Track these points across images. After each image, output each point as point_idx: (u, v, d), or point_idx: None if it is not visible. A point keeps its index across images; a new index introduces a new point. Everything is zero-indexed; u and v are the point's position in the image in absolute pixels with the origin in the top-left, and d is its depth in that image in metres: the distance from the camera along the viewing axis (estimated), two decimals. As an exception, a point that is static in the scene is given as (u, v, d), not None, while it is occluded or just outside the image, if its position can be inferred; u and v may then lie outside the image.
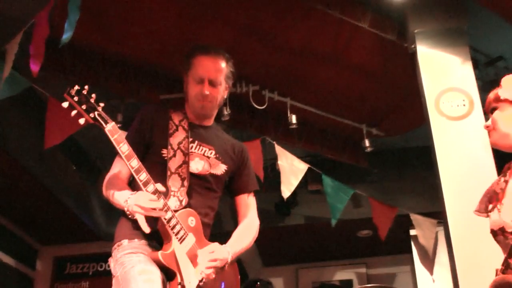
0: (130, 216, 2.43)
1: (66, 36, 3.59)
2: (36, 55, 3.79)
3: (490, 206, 2.17)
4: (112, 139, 2.36)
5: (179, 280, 2.41)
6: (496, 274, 2.03)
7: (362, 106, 5.92)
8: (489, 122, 2.26)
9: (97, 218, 6.70)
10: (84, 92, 2.32)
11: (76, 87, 2.30)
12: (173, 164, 2.56)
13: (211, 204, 2.68)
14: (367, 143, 6.02)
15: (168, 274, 2.44)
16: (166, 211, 2.39)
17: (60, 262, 7.34)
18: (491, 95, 2.25)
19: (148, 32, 4.88)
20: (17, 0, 4.41)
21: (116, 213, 2.65)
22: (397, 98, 5.71)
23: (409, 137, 6.52)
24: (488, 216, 2.20)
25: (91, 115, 2.33)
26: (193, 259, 2.48)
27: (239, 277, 2.72)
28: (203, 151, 2.67)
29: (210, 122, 2.82)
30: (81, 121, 2.32)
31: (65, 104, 2.32)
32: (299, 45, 5.10)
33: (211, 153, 2.69)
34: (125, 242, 2.50)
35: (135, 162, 2.38)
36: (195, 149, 2.65)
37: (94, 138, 5.51)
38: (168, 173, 2.54)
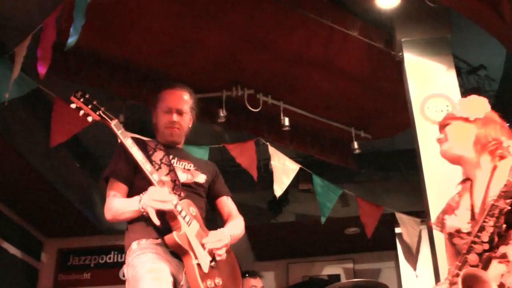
0: (144, 214, 2.47)
1: (72, 40, 3.57)
2: (43, 58, 3.78)
3: (446, 217, 2.36)
4: (118, 133, 2.56)
5: (194, 260, 2.48)
6: (449, 273, 2.12)
7: (351, 110, 5.92)
8: (441, 135, 2.42)
9: (99, 213, 6.66)
10: (87, 96, 2.58)
11: (80, 92, 2.56)
12: (161, 174, 2.64)
13: (201, 206, 2.76)
14: (355, 145, 6.00)
15: (181, 254, 2.50)
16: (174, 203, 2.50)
17: (63, 254, 7.32)
18: (447, 114, 2.44)
19: (149, 37, 4.87)
20: (26, 6, 4.41)
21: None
22: (384, 103, 5.70)
23: (395, 140, 6.53)
24: (441, 230, 2.41)
25: (97, 113, 2.57)
26: (200, 242, 2.55)
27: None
28: (183, 165, 2.80)
29: (181, 146, 2.94)
30: (89, 119, 2.57)
31: (73, 106, 2.57)
32: (293, 51, 5.09)
33: (190, 166, 2.83)
34: (134, 245, 2.53)
35: (140, 154, 2.55)
36: (176, 163, 2.78)
37: (97, 137, 5.49)
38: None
